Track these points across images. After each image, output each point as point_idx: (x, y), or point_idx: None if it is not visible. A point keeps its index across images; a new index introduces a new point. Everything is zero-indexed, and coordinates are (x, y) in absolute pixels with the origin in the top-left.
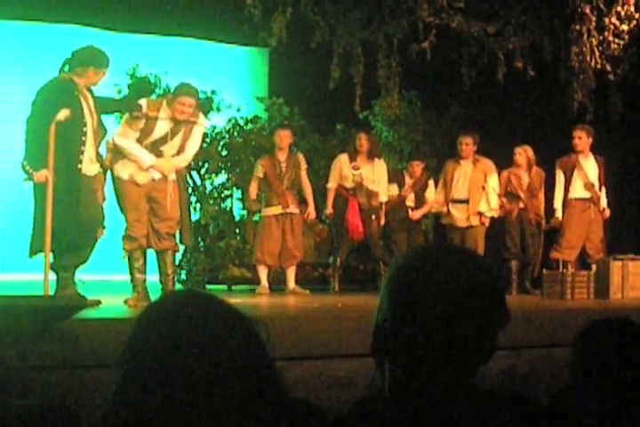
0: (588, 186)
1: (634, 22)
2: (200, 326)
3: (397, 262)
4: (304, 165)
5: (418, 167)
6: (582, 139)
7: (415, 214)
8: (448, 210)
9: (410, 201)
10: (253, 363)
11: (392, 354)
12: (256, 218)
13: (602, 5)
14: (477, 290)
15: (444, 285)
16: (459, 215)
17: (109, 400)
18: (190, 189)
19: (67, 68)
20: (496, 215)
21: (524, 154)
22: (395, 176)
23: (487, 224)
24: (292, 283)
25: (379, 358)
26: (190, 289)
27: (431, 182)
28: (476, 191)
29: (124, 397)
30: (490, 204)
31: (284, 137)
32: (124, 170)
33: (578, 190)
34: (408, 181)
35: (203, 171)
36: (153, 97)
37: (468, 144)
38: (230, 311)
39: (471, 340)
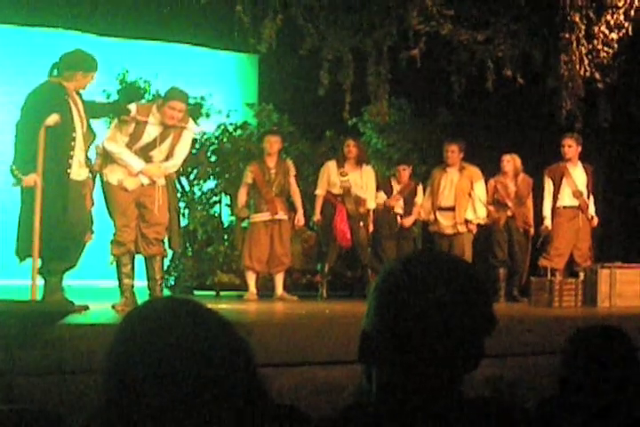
0: (577, 194)
1: (623, 31)
2: (181, 332)
3: (385, 269)
4: (293, 172)
5: (405, 172)
6: (571, 147)
7: (406, 222)
8: (435, 217)
9: (399, 208)
10: (237, 369)
11: (379, 361)
12: (244, 224)
13: (591, 14)
14: (464, 297)
15: (430, 292)
16: (445, 223)
17: (93, 405)
18: (179, 195)
19: (55, 72)
20: (483, 222)
21: (511, 161)
22: (382, 183)
23: (475, 231)
24: (280, 289)
25: (366, 365)
26: (172, 296)
27: (420, 188)
28: (462, 198)
29: (107, 402)
30: (476, 211)
31: (273, 143)
32: (112, 175)
33: (566, 198)
34: (395, 186)
35: (192, 177)
36: (142, 102)
37: (453, 151)
38: (213, 317)
39: (458, 347)
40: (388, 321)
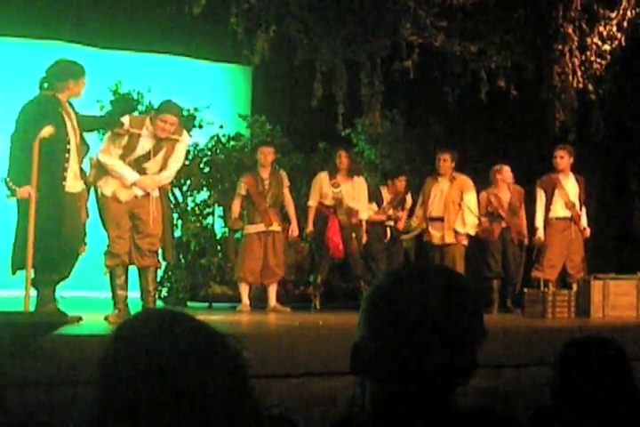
0: (569, 205)
1: (616, 42)
2: (172, 343)
3: (377, 281)
4: (287, 183)
5: (401, 183)
6: (564, 158)
7: (399, 225)
8: (427, 228)
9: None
10: (229, 380)
11: (372, 372)
12: (238, 235)
13: (584, 25)
14: (455, 308)
15: (421, 304)
16: (435, 233)
17: (84, 416)
18: (172, 206)
19: (46, 85)
20: (472, 233)
21: (503, 172)
22: (373, 194)
23: (465, 242)
24: (273, 301)
25: (359, 376)
26: (165, 307)
27: (408, 196)
28: (451, 209)
29: (99, 413)
30: (465, 222)
31: (267, 154)
32: (107, 187)
33: (559, 210)
34: (386, 196)
35: (185, 188)
36: (135, 114)
37: (445, 160)
38: (204, 329)
39: (449, 358)
40: (379, 333)
